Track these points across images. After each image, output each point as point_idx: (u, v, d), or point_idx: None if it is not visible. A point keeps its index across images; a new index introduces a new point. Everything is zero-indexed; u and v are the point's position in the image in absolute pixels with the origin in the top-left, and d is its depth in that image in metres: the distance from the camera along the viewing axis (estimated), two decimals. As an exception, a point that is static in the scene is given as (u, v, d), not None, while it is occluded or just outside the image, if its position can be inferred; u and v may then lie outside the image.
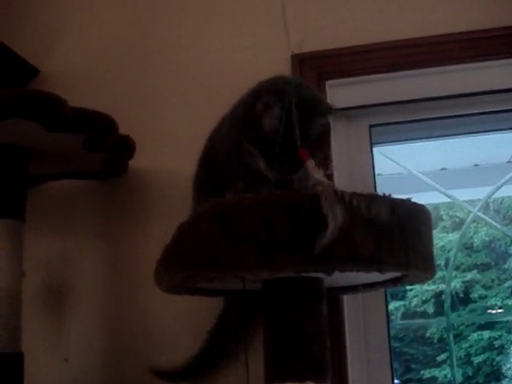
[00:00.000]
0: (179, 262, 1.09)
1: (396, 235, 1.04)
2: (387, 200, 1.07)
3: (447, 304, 3.58)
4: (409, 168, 2.73)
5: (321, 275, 1.13)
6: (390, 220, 1.04)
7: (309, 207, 1.01)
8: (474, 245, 7.60)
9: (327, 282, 1.20)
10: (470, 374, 7.20)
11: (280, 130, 1.18)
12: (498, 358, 7.18)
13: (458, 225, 7.34)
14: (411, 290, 7.58)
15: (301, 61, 1.66)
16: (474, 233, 7.54)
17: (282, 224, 1.00)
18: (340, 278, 1.19)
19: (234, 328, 1.52)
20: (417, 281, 1.23)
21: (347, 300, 1.60)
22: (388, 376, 1.57)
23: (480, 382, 7.16)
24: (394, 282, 1.26)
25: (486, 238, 7.57)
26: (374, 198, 1.06)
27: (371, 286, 1.34)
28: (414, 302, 7.56)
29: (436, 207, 7.07)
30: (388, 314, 1.62)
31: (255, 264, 1.01)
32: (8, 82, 1.75)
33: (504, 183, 2.79)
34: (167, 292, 1.24)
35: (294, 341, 1.13)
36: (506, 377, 6.98)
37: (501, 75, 1.62)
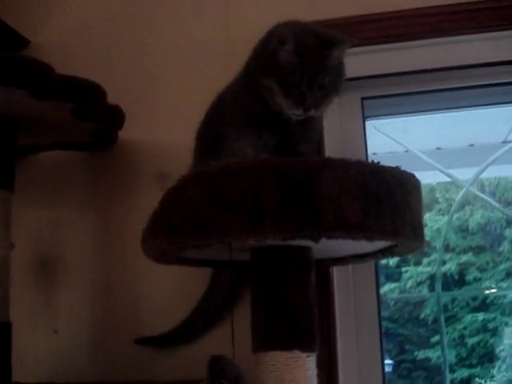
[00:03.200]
0: (165, 229, 1.08)
1: (384, 203, 1.03)
2: (376, 167, 1.06)
3: (438, 285, 3.58)
4: (405, 144, 2.71)
5: (308, 244, 1.12)
6: (378, 187, 1.03)
7: (297, 173, 1.00)
8: (469, 227, 7.59)
9: (316, 253, 1.20)
10: (464, 356, 7.23)
11: (297, 62, 1.18)
12: (491, 340, 7.21)
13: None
14: (406, 271, 7.59)
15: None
16: (470, 215, 7.53)
17: (269, 190, 0.99)
18: (328, 247, 1.18)
19: (221, 301, 1.53)
20: (406, 251, 1.22)
21: (337, 276, 1.60)
22: (377, 345, 1.57)
23: (473, 363, 7.19)
24: (384, 252, 1.25)
25: (481, 221, 7.56)
26: (363, 166, 1.05)
27: (361, 257, 1.33)
28: (409, 283, 7.56)
29: (432, 189, 7.05)
30: (378, 287, 1.62)
31: (242, 230, 1.00)
32: (-3, 53, 1.73)
33: (496, 158, 2.78)
34: (154, 260, 1.23)
35: (281, 310, 1.13)
36: (499, 358, 7.01)
37: (497, 47, 1.60)
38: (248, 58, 1.31)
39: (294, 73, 1.19)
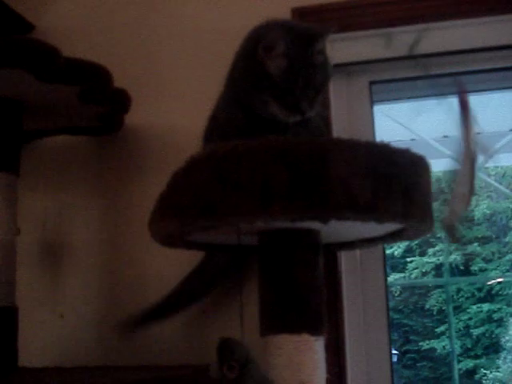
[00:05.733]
0: (173, 210, 1.07)
1: (394, 184, 1.02)
2: (386, 148, 1.04)
3: (447, 273, 3.57)
4: (413, 129, 2.70)
5: (317, 226, 1.11)
6: (388, 168, 1.02)
7: (306, 153, 0.99)
8: (475, 218, 7.59)
9: (324, 238, 1.19)
10: (469, 346, 7.26)
11: (287, 68, 1.14)
12: (496, 331, 7.23)
13: (459, 197, 7.32)
14: (411, 262, 7.61)
15: (301, 14, 1.62)
16: (475, 206, 7.53)
17: (278, 171, 0.98)
18: (337, 231, 1.18)
19: (210, 279, 1.50)
20: (416, 234, 1.21)
21: (345, 261, 1.59)
22: (384, 329, 1.57)
23: (479, 353, 7.22)
24: (393, 236, 1.24)
25: (487, 211, 7.56)
26: (373, 146, 1.04)
27: (369, 241, 1.32)
28: (414, 274, 7.58)
29: (438, 179, 7.03)
30: (385, 272, 1.61)
31: (250, 211, 0.99)
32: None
33: (503, 146, 2.76)
34: (162, 244, 1.22)
35: (289, 293, 1.12)
36: (505, 349, 7.03)
37: (505, 31, 1.58)
38: (232, 65, 1.27)
39: (287, 79, 1.15)
